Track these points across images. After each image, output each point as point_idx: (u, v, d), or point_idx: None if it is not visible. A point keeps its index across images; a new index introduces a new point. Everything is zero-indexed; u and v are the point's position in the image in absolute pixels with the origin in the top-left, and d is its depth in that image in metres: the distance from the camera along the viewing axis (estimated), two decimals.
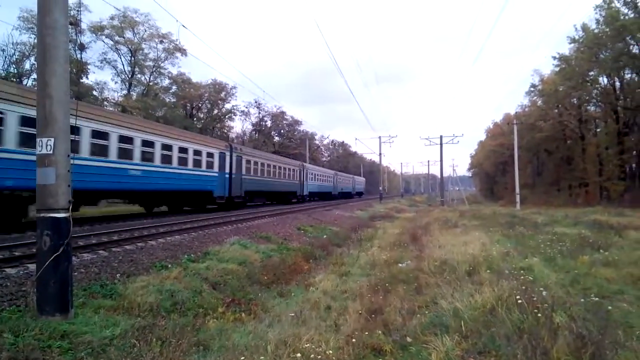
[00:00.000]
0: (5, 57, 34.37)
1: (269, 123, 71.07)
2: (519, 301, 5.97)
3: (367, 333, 5.80)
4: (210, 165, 24.80)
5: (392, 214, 34.77)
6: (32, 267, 7.72)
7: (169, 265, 9.20)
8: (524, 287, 6.97)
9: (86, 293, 6.71)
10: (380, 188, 65.29)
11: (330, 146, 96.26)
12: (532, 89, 55.28)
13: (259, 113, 68.09)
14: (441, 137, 50.28)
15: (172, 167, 21.19)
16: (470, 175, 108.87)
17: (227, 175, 26.63)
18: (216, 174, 25.34)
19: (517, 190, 42.17)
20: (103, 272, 8.07)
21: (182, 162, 22.09)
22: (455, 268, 9.34)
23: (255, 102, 64.79)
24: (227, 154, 26.94)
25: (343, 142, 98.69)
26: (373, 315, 6.89)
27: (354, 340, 5.41)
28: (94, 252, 9.73)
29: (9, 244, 9.93)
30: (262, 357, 4.75)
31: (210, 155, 24.82)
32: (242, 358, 4.78)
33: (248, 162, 30.21)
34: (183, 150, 22.13)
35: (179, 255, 10.37)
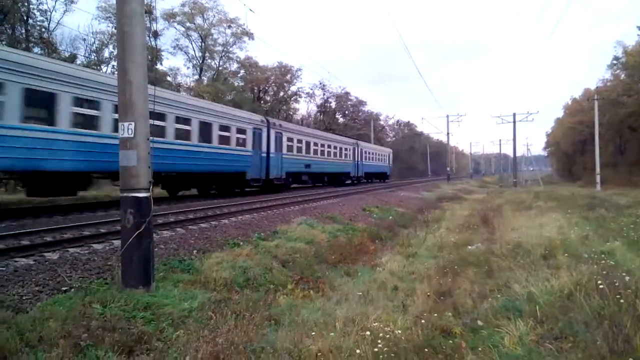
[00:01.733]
0: (86, 45, 36.76)
1: (333, 104, 71.00)
2: (600, 286, 5.63)
3: (436, 315, 5.73)
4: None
5: (461, 195, 33.79)
6: (117, 243, 8.33)
7: (241, 243, 9.57)
8: (604, 272, 6.58)
9: (166, 268, 7.15)
10: (448, 169, 63.55)
11: (396, 126, 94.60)
12: (614, 62, 50.79)
13: (324, 94, 68.16)
14: (514, 114, 47.86)
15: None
16: (546, 154, 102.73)
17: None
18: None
19: (598, 170, 39.26)
20: (181, 249, 8.56)
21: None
22: (529, 251, 8.96)
23: (320, 83, 64.94)
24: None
25: (409, 122, 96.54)
26: (442, 298, 6.79)
27: (423, 321, 5.37)
28: (172, 230, 10.32)
29: (95, 221, 10.77)
30: (331, 334, 4.84)
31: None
32: (313, 333, 4.90)
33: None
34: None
35: (250, 234, 10.74)
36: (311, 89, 65.42)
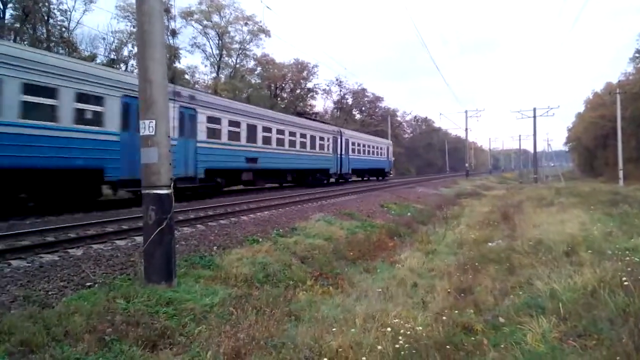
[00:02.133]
0: (106, 45, 37.35)
1: (350, 100, 70.86)
2: (625, 283, 5.51)
3: (457, 312, 5.68)
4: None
5: (480, 192, 33.40)
6: (138, 239, 8.46)
7: (260, 240, 9.62)
8: (629, 269, 6.43)
9: (187, 263, 7.23)
10: (467, 165, 62.83)
11: (413, 122, 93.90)
12: (637, 55, 49.66)
13: (340, 90, 68.09)
14: (534, 109, 46.99)
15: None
16: (567, 150, 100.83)
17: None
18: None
19: (620, 165, 38.38)
20: (201, 245, 8.65)
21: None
22: (551, 248, 8.81)
23: (337, 79, 64.91)
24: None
25: (426, 117, 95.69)
26: (462, 295, 6.74)
27: (444, 318, 5.33)
28: (192, 226, 10.43)
29: (116, 217, 10.95)
30: (352, 330, 4.85)
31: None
32: (334, 329, 4.91)
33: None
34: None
35: (269, 230, 10.79)
36: (327, 86, 65.45)
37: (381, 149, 42.64)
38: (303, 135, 26.85)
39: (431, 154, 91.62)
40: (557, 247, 8.85)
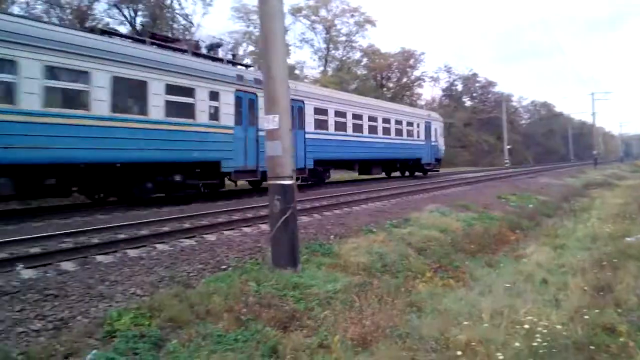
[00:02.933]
0: (223, 45, 40.06)
1: (459, 87, 67.94)
2: None
3: (596, 311, 5.22)
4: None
5: (611, 182, 30.05)
6: (262, 226, 9.04)
7: (374, 230, 9.69)
8: None
9: (308, 251, 7.53)
10: (595, 152, 56.90)
11: (530, 107, 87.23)
12: None
13: (449, 77, 65.61)
14: None
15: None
16: None
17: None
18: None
19: None
20: (319, 233, 8.95)
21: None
22: None
23: (445, 66, 62.64)
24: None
25: (545, 102, 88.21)
26: (600, 293, 6.16)
27: (585, 317, 4.94)
28: (309, 215, 10.86)
29: (239, 207, 11.76)
30: (485, 325, 4.70)
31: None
32: (465, 323, 4.79)
33: None
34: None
35: (381, 221, 10.81)
36: (435, 73, 63.45)
37: (414, 125, 28.31)
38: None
39: (552, 141, 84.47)
40: None
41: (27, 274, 5.82)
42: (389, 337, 4.59)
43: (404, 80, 59.42)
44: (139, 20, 31.68)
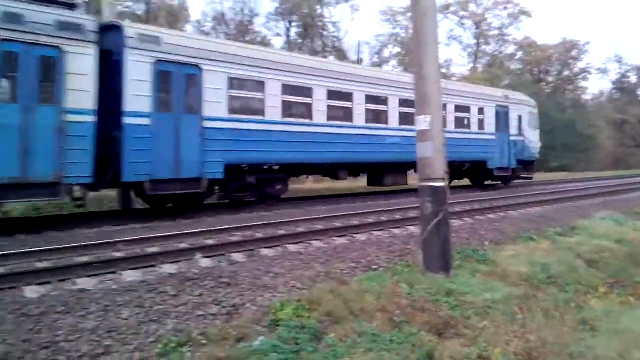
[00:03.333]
0: (370, 48, 40.95)
1: (634, 79, 58.82)
2: None
3: None
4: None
5: None
6: (411, 229, 8.96)
7: (535, 237, 8.93)
8: None
9: (461, 256, 7.23)
10: None
11: None
12: None
13: (620, 68, 57.24)
14: None
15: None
16: None
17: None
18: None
19: None
20: (472, 238, 8.55)
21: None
22: None
23: (615, 56, 54.90)
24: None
25: None
26: None
27: None
28: (460, 219, 10.42)
29: (388, 208, 11.79)
30: None
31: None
32: None
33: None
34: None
35: (543, 228, 9.94)
36: (603, 64, 55.96)
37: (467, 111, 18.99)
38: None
39: None
40: None
41: (204, 262, 6.60)
42: (558, 354, 4.17)
43: (566, 73, 53.55)
44: (293, 31, 34.01)
